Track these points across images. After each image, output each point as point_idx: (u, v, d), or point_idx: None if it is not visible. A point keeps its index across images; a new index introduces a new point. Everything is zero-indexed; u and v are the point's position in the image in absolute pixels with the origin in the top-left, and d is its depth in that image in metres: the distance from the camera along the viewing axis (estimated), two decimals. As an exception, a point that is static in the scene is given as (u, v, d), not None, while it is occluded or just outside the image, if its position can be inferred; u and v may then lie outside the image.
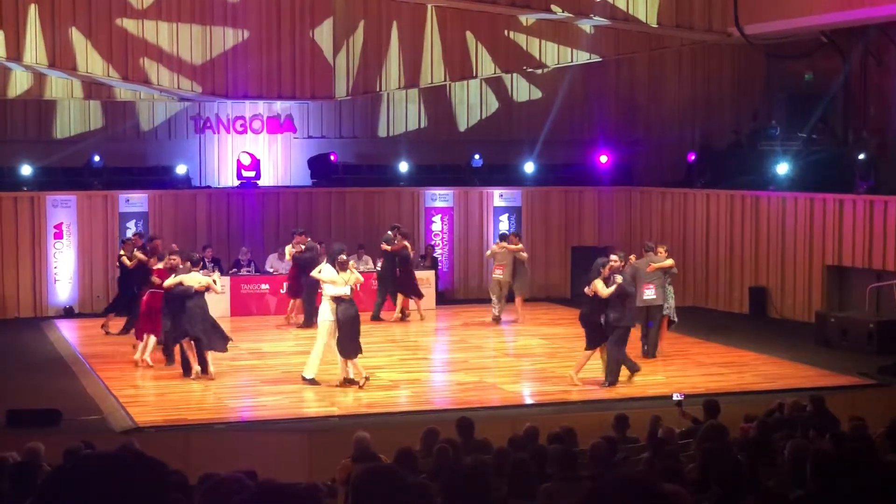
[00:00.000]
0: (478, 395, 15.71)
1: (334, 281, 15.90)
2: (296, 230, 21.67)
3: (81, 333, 20.90)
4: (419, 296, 22.12)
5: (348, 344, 15.84)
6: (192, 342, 16.47)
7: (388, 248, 21.71)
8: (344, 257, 16.23)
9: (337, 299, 15.91)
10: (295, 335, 20.50)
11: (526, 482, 8.22)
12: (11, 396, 15.11)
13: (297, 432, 13.85)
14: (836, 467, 7.65)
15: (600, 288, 15.87)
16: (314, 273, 16.60)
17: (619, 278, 16.02)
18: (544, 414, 14.31)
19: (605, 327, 16.07)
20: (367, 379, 15.96)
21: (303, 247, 21.02)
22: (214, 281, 17.03)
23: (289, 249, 21.33)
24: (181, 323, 16.43)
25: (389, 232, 21.99)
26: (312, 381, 16.09)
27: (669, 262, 18.54)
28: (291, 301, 21.58)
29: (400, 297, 22.07)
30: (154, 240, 19.80)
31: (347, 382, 15.96)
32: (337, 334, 15.92)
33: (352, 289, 16.04)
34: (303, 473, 12.29)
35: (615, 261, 16.41)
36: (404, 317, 22.05)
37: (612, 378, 16.08)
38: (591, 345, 16.17)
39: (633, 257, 18.54)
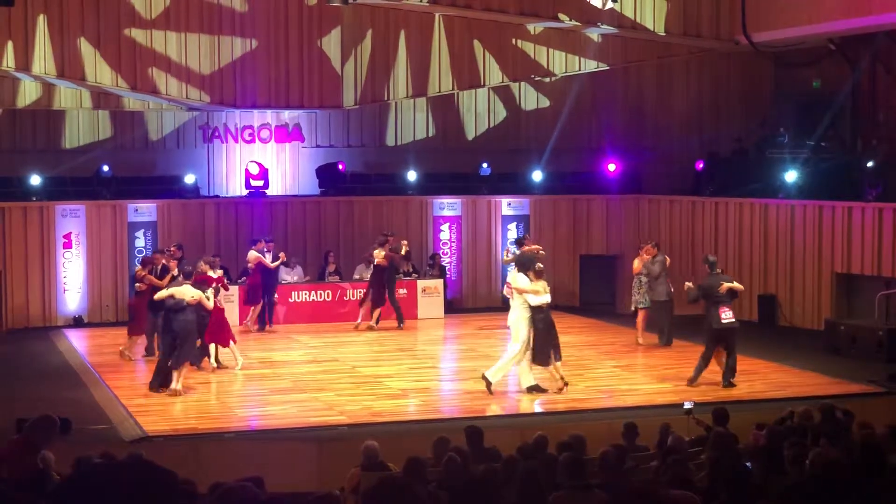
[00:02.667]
0: (486, 404, 15.69)
1: (537, 290, 15.90)
2: (262, 238, 21.70)
3: (90, 343, 20.93)
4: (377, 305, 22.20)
5: (539, 352, 15.87)
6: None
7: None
8: (541, 266, 16.17)
9: (535, 308, 15.88)
10: (303, 343, 20.53)
11: (535, 491, 8.21)
12: (21, 405, 15.10)
13: (305, 441, 13.84)
14: (847, 475, 7.64)
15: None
16: (517, 284, 16.50)
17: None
18: (554, 422, 14.27)
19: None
20: (565, 384, 15.99)
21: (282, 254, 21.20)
22: (208, 297, 16.87)
23: (261, 256, 21.25)
24: (167, 337, 16.48)
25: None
26: (489, 383, 16.04)
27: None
28: (252, 309, 21.53)
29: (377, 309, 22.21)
30: (157, 253, 19.69)
31: (534, 390, 15.98)
32: (531, 343, 15.93)
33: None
34: (312, 482, 12.29)
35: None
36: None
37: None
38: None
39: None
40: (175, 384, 16.08)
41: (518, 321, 16.04)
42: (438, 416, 15.18)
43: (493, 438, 11.43)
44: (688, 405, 13.15)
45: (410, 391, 16.55)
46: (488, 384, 15.99)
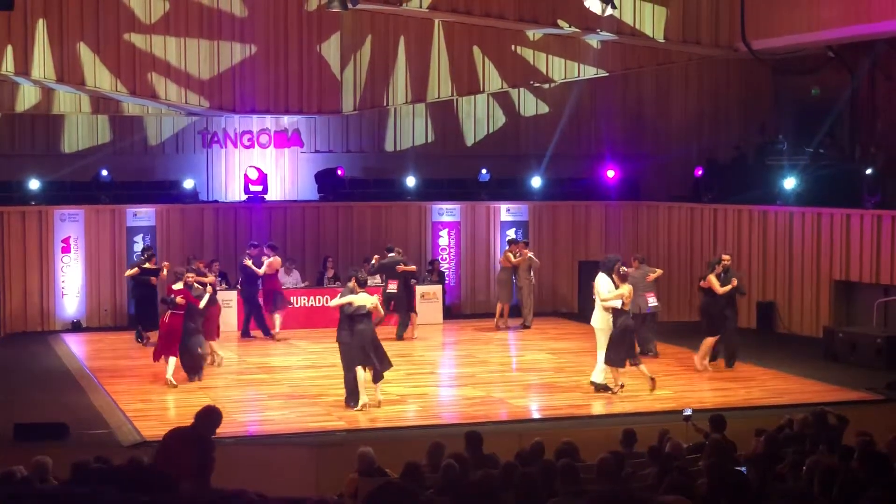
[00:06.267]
0: (485, 410, 15.69)
1: (623, 294, 16.23)
2: (258, 243, 21.68)
3: (89, 347, 20.92)
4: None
5: (614, 353, 16.27)
6: (368, 370, 15.75)
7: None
8: (625, 269, 16.44)
9: (615, 310, 16.27)
10: (302, 348, 20.52)
11: (533, 497, 8.21)
12: (19, 410, 15.12)
13: (304, 447, 13.84)
14: (848, 481, 7.63)
15: (714, 283, 18.03)
16: (599, 289, 16.46)
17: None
18: (552, 429, 14.27)
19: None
20: (621, 387, 16.38)
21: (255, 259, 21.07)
22: (375, 305, 16.28)
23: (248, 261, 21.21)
24: (355, 347, 15.71)
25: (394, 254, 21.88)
26: (596, 384, 16.61)
27: (659, 271, 20.38)
28: (276, 315, 21.43)
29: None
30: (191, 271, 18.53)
31: (602, 389, 16.48)
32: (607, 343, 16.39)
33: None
34: (310, 488, 12.29)
35: (727, 259, 18.33)
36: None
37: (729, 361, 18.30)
38: (709, 333, 18.20)
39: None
40: (376, 394, 15.78)
41: (595, 321, 16.62)
42: (437, 421, 15.17)
43: (491, 444, 11.42)
44: (687, 412, 13.15)
45: (409, 397, 16.54)
46: (596, 386, 16.56)
